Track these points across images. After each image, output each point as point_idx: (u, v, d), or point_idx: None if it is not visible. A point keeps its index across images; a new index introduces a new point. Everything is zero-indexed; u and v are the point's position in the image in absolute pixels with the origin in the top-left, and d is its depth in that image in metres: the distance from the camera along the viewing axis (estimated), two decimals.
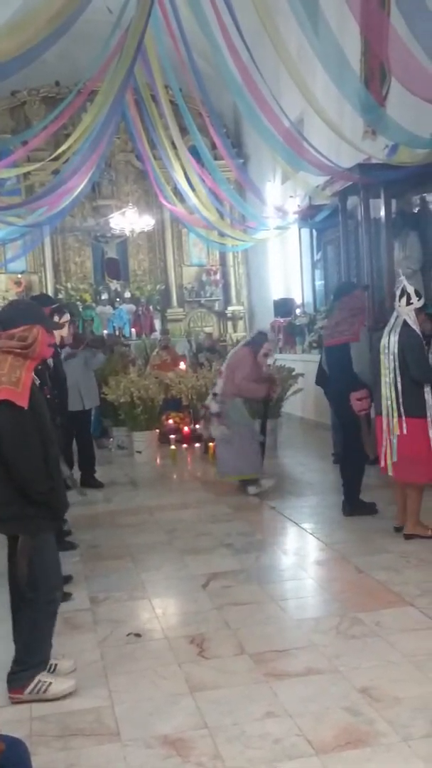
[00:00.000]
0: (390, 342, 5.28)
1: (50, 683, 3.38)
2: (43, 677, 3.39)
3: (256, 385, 7.28)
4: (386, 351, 5.30)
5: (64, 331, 5.45)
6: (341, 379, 6.16)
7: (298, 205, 12.48)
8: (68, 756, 2.92)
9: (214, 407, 7.18)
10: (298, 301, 13.79)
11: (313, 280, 13.16)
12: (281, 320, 13.79)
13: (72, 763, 2.87)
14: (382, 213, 8.90)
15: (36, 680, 3.37)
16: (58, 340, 5.39)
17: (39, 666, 3.43)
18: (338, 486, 7.02)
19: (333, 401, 6.70)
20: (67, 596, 4.54)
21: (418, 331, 5.29)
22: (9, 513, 3.33)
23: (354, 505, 6.19)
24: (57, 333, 5.23)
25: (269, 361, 7.94)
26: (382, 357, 5.33)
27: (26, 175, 15.30)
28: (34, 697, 3.34)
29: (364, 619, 4.00)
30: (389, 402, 5.27)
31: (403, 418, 5.23)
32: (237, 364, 7.31)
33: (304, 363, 10.86)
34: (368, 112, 8.14)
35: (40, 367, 4.00)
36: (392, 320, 5.40)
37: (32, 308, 3.65)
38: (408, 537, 5.40)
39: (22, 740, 2.19)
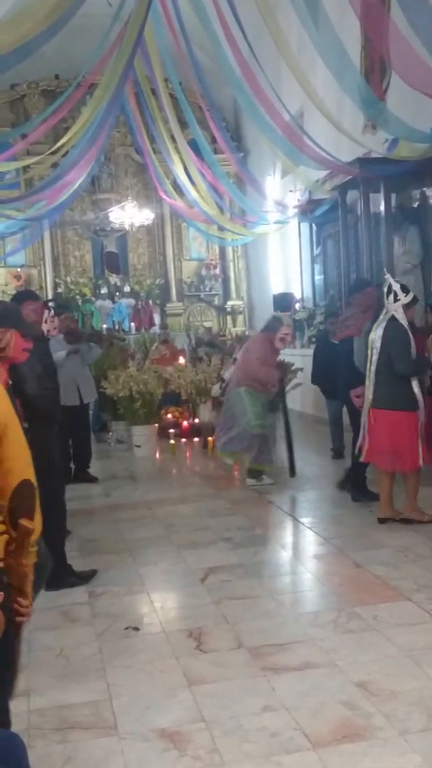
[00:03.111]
0: (376, 337, 5.43)
1: None
2: None
3: (268, 368, 7.24)
4: (373, 345, 5.46)
5: (49, 325, 5.48)
6: (345, 373, 6.27)
7: (298, 200, 12.46)
8: (65, 749, 2.92)
9: (215, 391, 7.22)
10: (298, 295, 13.78)
11: (313, 274, 13.15)
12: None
13: (69, 756, 2.88)
14: (382, 207, 8.89)
15: None
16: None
17: None
18: (336, 481, 7.05)
19: (342, 395, 6.61)
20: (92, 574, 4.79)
21: (405, 326, 5.44)
22: None
23: (360, 493, 6.32)
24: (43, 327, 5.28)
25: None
26: (369, 351, 5.49)
27: (25, 168, 15.29)
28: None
29: (362, 613, 4.00)
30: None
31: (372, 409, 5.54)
32: (251, 347, 7.37)
33: (303, 358, 10.84)
34: (368, 106, 8.12)
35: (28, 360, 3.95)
36: (381, 316, 5.54)
37: (9, 311, 3.56)
38: (381, 521, 5.63)
39: (18, 734, 2.20)
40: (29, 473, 2.25)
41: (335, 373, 6.72)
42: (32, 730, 3.04)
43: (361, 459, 5.82)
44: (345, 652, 3.56)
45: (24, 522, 2.13)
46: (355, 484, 6.39)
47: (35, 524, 2.22)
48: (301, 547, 5.50)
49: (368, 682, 3.26)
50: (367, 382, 5.60)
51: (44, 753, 2.88)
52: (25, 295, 5.89)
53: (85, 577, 4.76)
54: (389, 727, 2.90)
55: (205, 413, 7.39)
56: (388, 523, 5.61)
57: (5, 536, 2.15)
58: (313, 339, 11.30)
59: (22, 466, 2.25)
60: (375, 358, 5.47)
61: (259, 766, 2.73)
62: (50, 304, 6.09)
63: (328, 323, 8.89)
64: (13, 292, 16.95)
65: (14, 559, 2.16)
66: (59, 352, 7.41)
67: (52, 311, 5.65)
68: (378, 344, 5.44)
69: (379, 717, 2.97)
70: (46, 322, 5.24)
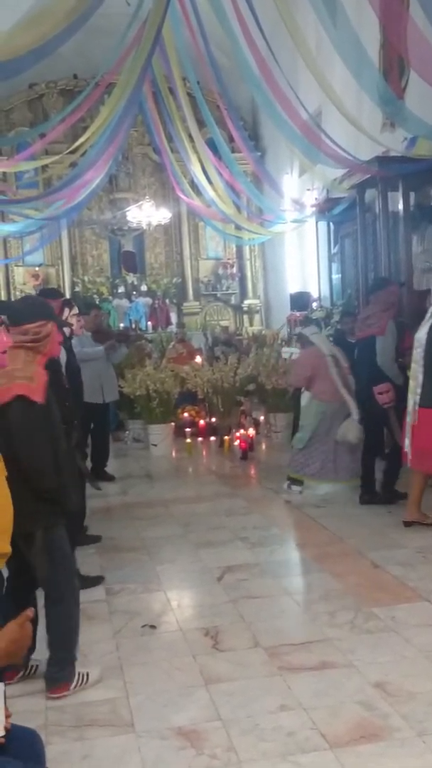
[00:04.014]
0: (421, 335, 5.35)
1: (88, 672, 3.41)
2: (80, 669, 3.41)
3: None
4: (417, 344, 5.37)
5: (73, 323, 5.48)
6: (367, 372, 6.20)
7: (316, 198, 12.43)
8: (83, 746, 2.94)
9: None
10: (315, 294, 13.74)
11: (330, 273, 13.10)
12: (297, 314, 13.74)
13: (86, 753, 2.89)
14: (401, 206, 8.84)
15: (77, 673, 3.39)
16: (67, 332, 5.44)
17: (75, 658, 3.44)
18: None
19: (362, 394, 6.44)
20: (99, 580, 4.71)
21: None
22: (24, 510, 3.30)
23: (390, 493, 6.23)
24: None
25: None
26: (414, 350, 5.41)
27: (44, 167, 15.35)
28: (78, 690, 3.35)
29: (379, 613, 3.99)
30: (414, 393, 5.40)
31: (419, 409, 5.33)
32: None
33: None
34: (387, 105, 8.08)
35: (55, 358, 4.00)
36: (428, 315, 5.45)
37: (45, 305, 3.63)
38: (407, 524, 5.50)
39: (36, 730, 2.20)
40: None
41: (352, 372, 6.68)
42: (50, 727, 3.06)
43: (408, 464, 5.66)
44: (362, 653, 3.55)
45: None
46: (366, 488, 6.34)
47: None
48: (317, 546, 5.48)
49: (386, 682, 3.25)
50: (411, 383, 5.46)
51: (62, 750, 2.89)
52: (45, 293, 5.91)
53: (90, 582, 4.66)
54: (407, 728, 2.89)
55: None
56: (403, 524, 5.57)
57: None
58: (330, 339, 11.26)
59: None
60: (420, 357, 5.35)
61: (276, 765, 2.73)
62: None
63: (344, 323, 8.85)
64: (32, 291, 17.11)
65: None
66: (97, 347, 7.48)
67: (76, 309, 5.64)
68: (423, 342, 5.33)
69: (396, 718, 2.96)
70: (66, 321, 5.24)
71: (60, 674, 3.37)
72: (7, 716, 1.93)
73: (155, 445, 9.57)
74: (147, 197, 17.49)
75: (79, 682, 3.37)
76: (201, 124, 13.29)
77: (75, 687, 3.36)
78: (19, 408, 3.20)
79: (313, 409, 6.87)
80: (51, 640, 3.43)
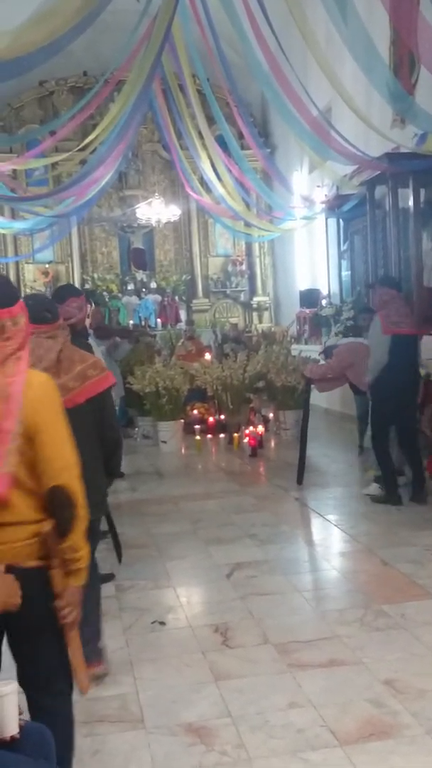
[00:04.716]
0: None
1: None
2: None
3: None
4: None
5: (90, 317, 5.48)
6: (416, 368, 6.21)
7: (325, 195, 12.40)
8: (93, 742, 2.95)
9: None
10: (324, 291, 13.71)
11: (340, 270, 13.07)
12: (307, 311, 13.73)
13: (97, 749, 2.90)
14: (411, 203, 8.80)
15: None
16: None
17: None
18: (363, 477, 7.01)
19: (410, 390, 6.27)
20: (110, 577, 4.74)
21: None
22: (99, 498, 3.32)
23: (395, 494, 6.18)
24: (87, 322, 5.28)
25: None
26: None
27: (54, 165, 15.37)
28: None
29: (389, 611, 3.98)
30: None
31: None
32: None
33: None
34: (397, 101, 8.05)
35: None
36: None
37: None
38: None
39: (47, 726, 2.22)
40: (65, 477, 2.13)
41: (395, 367, 6.48)
42: None
43: None
44: (372, 650, 3.55)
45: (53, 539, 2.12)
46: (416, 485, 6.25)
47: (72, 539, 2.15)
48: (327, 544, 5.48)
49: (395, 680, 3.24)
50: None
51: None
52: (66, 292, 5.72)
53: (101, 579, 4.73)
54: (416, 725, 2.88)
55: None
56: (417, 521, 5.57)
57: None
58: (340, 335, 11.22)
59: (56, 469, 2.12)
60: None
61: (285, 761, 2.73)
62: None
63: (364, 319, 8.74)
64: (42, 288, 17.16)
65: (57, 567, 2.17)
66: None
67: (93, 305, 5.60)
68: None
69: (406, 715, 2.96)
70: (89, 317, 5.21)
71: (96, 650, 3.40)
72: (20, 714, 1.94)
73: (164, 442, 9.59)
74: (156, 194, 17.49)
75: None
76: (211, 121, 13.28)
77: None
78: (111, 395, 3.36)
79: None
80: (86, 629, 3.46)
